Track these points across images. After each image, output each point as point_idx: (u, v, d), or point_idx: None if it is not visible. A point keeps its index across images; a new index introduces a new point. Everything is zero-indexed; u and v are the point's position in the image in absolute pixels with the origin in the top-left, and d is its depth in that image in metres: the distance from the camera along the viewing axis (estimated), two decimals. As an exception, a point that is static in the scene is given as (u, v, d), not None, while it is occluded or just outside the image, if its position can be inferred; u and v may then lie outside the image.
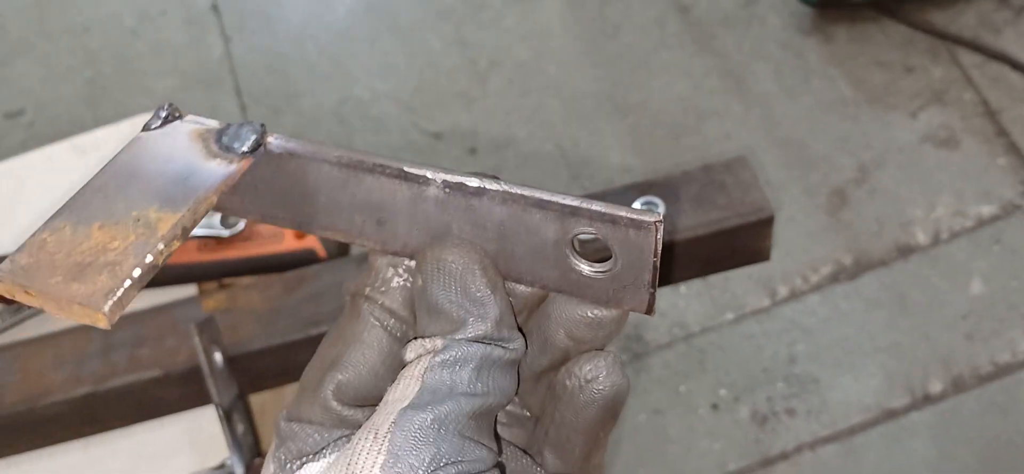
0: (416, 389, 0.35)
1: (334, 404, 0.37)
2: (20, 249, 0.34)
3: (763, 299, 1.64)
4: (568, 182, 1.74)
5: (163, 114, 0.39)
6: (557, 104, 1.87)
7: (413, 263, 0.38)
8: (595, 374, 0.37)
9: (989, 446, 1.49)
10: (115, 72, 1.98)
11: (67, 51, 2.03)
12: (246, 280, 0.90)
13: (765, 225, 0.88)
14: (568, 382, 0.38)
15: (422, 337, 0.37)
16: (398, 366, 0.37)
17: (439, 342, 0.36)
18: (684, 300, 1.65)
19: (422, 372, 0.35)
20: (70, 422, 0.83)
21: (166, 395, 0.84)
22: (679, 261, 0.87)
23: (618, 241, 0.36)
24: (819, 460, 1.51)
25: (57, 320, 0.87)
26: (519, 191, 0.36)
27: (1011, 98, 1.78)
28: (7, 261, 0.34)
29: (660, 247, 0.35)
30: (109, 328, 0.33)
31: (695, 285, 1.66)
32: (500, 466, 0.37)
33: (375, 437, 0.34)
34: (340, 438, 0.37)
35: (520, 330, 0.38)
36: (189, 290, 0.91)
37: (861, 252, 1.66)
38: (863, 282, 1.64)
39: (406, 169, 0.37)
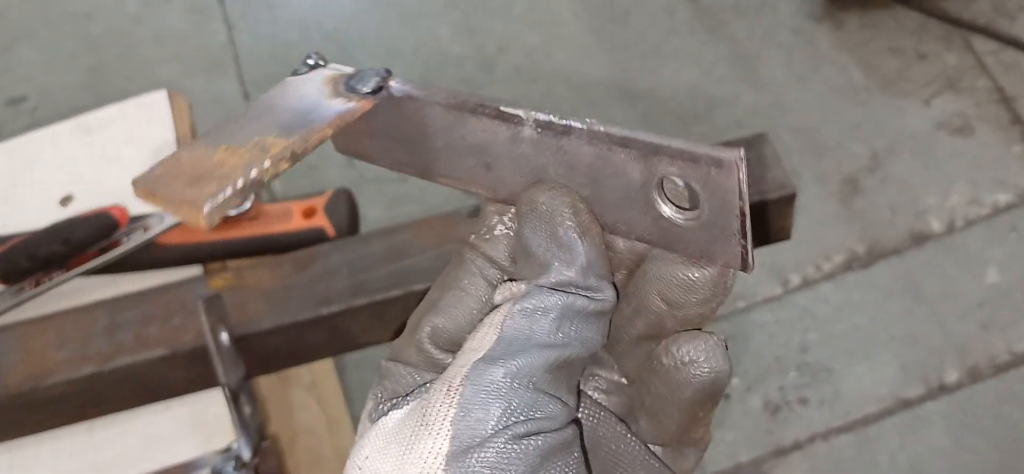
0: (494, 338, 0.35)
1: (429, 347, 0.37)
2: (160, 162, 0.37)
3: (775, 287, 1.62)
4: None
5: (310, 62, 0.41)
6: (566, 91, 1.85)
7: (513, 211, 0.39)
8: (694, 356, 0.36)
9: (1006, 436, 1.47)
10: (117, 59, 1.96)
11: (70, 38, 2.01)
12: (254, 259, 0.88)
13: (787, 202, 0.86)
14: (665, 359, 0.36)
15: (512, 280, 0.36)
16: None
17: (523, 287, 0.35)
18: (694, 289, 1.63)
19: (502, 320, 0.35)
20: (74, 404, 0.81)
21: (172, 375, 0.82)
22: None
23: (702, 183, 0.34)
24: (833, 450, 1.49)
25: (58, 300, 0.85)
26: (603, 129, 0.36)
27: (1026, 85, 1.76)
28: (146, 170, 0.37)
29: (745, 189, 0.33)
30: (207, 230, 0.37)
31: (706, 274, 1.64)
32: (578, 422, 0.36)
33: (448, 390, 0.34)
34: (426, 383, 0.37)
35: (615, 286, 0.37)
36: (196, 271, 0.89)
37: (874, 240, 1.64)
38: (877, 271, 1.61)
39: (502, 109, 0.37)
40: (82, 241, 0.86)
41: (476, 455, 0.33)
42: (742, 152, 0.33)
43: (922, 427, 1.49)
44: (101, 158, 1.00)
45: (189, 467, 0.80)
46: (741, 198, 0.34)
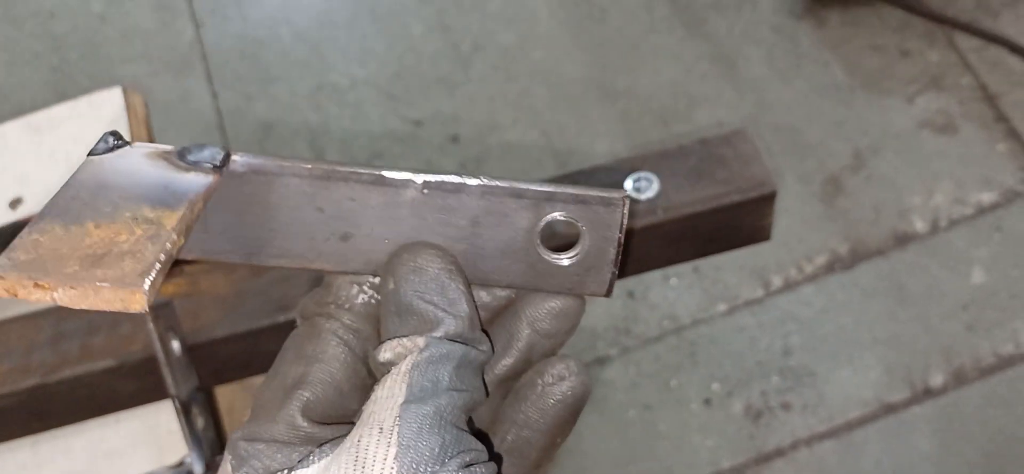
0: (404, 386, 0.36)
1: (302, 422, 0.37)
2: (11, 249, 0.33)
3: (756, 290, 1.59)
4: (555, 170, 1.69)
5: (111, 141, 0.38)
6: (543, 90, 1.81)
7: (376, 280, 0.40)
8: (564, 374, 0.39)
9: (992, 440, 1.44)
10: (82, 58, 1.91)
11: (32, 36, 1.95)
12: (208, 262, 0.84)
13: (767, 201, 0.82)
14: (539, 380, 0.40)
15: (395, 338, 0.38)
16: (361, 381, 0.39)
17: (421, 341, 0.37)
18: (674, 292, 1.59)
19: (408, 369, 0.36)
20: (16, 417, 0.76)
21: (121, 387, 0.78)
22: (676, 240, 0.81)
23: (588, 221, 0.38)
24: (816, 456, 1.46)
25: (5, 308, 0.80)
26: (497, 183, 0.38)
27: (1010, 82, 1.74)
28: (3, 257, 0.32)
29: (625, 223, 0.38)
30: (145, 312, 0.32)
31: (686, 276, 1.61)
32: (498, 459, 0.39)
33: (381, 431, 0.35)
34: (311, 454, 0.37)
35: (487, 335, 0.40)
36: (148, 275, 0.84)
37: (858, 241, 1.61)
38: (860, 272, 1.58)
39: (385, 174, 0.38)
40: (27, 245, 0.82)
41: None
42: (626, 193, 0.38)
43: (907, 432, 1.46)
44: (51, 159, 0.95)
45: (137, 484, 0.76)
46: (621, 231, 0.38)
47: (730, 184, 0.80)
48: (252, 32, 1.92)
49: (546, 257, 0.39)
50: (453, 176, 0.38)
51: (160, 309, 0.73)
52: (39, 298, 0.32)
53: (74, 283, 0.31)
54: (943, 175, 1.66)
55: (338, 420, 0.38)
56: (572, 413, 0.40)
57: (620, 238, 0.39)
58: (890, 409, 1.48)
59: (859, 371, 1.50)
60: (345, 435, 0.36)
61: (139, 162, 0.37)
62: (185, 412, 0.72)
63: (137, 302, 0.31)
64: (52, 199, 0.35)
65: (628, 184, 0.80)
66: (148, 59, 1.90)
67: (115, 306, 0.31)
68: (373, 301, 0.40)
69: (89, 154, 0.37)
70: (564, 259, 0.39)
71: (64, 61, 1.91)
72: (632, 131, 1.75)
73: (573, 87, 1.81)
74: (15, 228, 0.82)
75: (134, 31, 1.94)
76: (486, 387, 0.40)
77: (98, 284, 0.31)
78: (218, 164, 0.37)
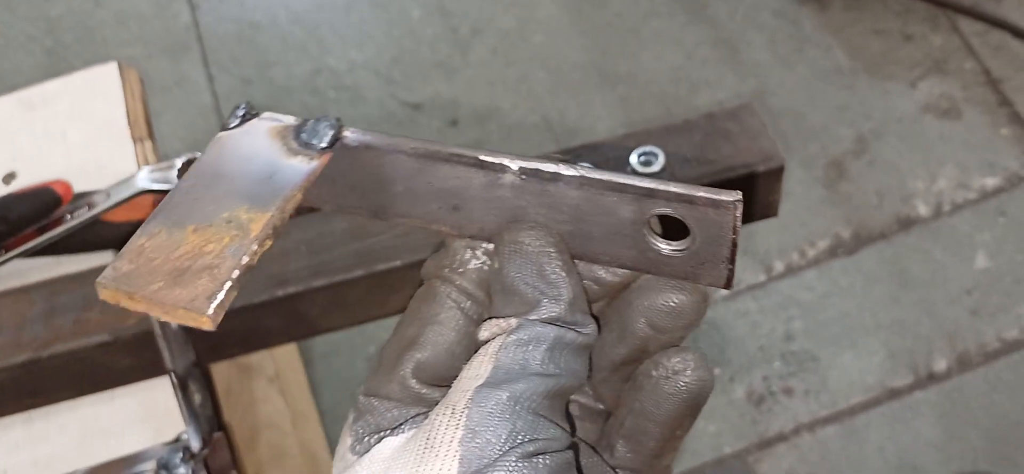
0: (490, 367, 0.36)
1: (412, 382, 0.38)
2: (120, 256, 0.35)
3: (758, 274, 1.57)
4: (554, 155, 1.67)
5: (240, 113, 0.40)
6: (543, 74, 1.80)
7: (490, 246, 0.40)
8: (683, 367, 0.38)
9: (997, 426, 1.43)
10: (77, 41, 1.89)
11: (26, 19, 1.93)
12: (206, 237, 0.82)
13: (775, 176, 0.81)
14: (653, 372, 0.38)
15: (497, 317, 0.38)
16: (473, 346, 0.39)
17: (513, 322, 0.37)
18: (676, 277, 1.58)
19: (496, 351, 0.36)
20: (9, 394, 0.75)
21: (116, 363, 0.76)
22: (682, 216, 0.79)
23: (696, 220, 0.37)
24: (819, 441, 1.44)
25: (-7, 283, 0.79)
26: (595, 176, 0.37)
27: (1013, 67, 1.73)
28: (109, 268, 0.35)
29: (739, 224, 0.36)
30: (213, 329, 0.34)
31: (687, 261, 1.59)
32: (574, 447, 0.38)
33: (452, 413, 0.35)
34: (417, 415, 0.38)
35: (594, 317, 0.39)
36: (144, 250, 0.83)
37: (860, 225, 1.60)
38: (863, 256, 1.57)
39: (482, 158, 0.38)
40: (21, 219, 0.80)
41: None
42: (739, 196, 0.36)
43: (911, 417, 1.45)
44: (45, 134, 0.94)
45: (133, 460, 0.74)
46: (734, 232, 0.36)
47: (737, 158, 0.79)
48: (249, 15, 1.90)
49: (656, 246, 0.37)
50: (549, 163, 0.37)
51: (156, 282, 0.71)
52: (135, 310, 0.34)
53: (156, 302, 0.33)
54: (946, 159, 1.64)
55: (451, 382, 0.38)
56: (690, 408, 0.39)
57: (734, 239, 0.37)
58: (893, 394, 1.47)
59: (862, 356, 1.49)
60: None
61: (258, 141, 0.38)
62: (182, 387, 0.71)
63: (205, 324, 0.32)
64: (171, 192, 0.37)
65: (633, 158, 0.78)
66: (144, 42, 1.88)
67: (190, 323, 0.33)
68: (485, 268, 0.40)
69: (222, 129, 0.39)
70: (675, 250, 0.37)
71: (58, 44, 1.89)
72: (633, 116, 1.74)
73: (573, 72, 1.80)
74: (3, 201, 0.81)
75: (129, 14, 1.92)
76: (591, 368, 0.39)
77: (176, 302, 0.33)
78: (326, 146, 0.38)
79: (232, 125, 0.39)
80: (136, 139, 0.93)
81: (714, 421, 1.46)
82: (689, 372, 0.38)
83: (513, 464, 0.34)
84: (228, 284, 0.33)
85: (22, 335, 0.74)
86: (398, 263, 0.74)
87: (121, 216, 0.82)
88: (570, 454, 0.36)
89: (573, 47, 1.83)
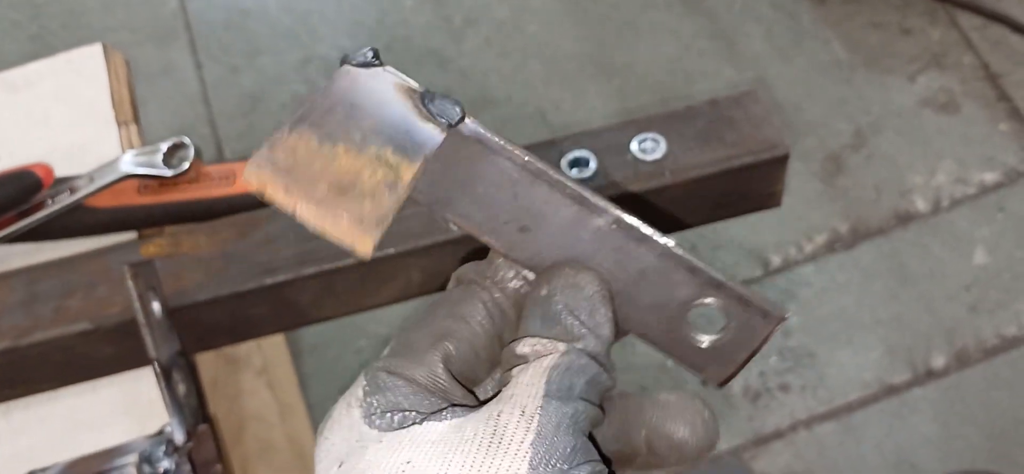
0: (544, 381, 0.37)
1: (441, 372, 0.39)
2: (271, 145, 0.35)
3: (755, 269, 1.56)
4: (549, 148, 1.65)
5: (369, 55, 0.40)
6: (538, 65, 1.78)
7: (530, 274, 0.41)
8: None
9: (995, 423, 1.41)
10: (63, 27, 1.86)
11: (11, 5, 1.90)
12: (191, 224, 0.80)
13: (779, 164, 0.79)
14: None
15: (536, 336, 0.39)
16: (493, 355, 0.41)
17: (561, 346, 0.38)
18: (671, 271, 1.56)
19: (549, 367, 0.37)
20: (-14, 384, 0.72)
21: (98, 352, 0.74)
22: (683, 204, 0.77)
23: (738, 319, 0.39)
24: (815, 438, 1.43)
25: (-28, 270, 0.76)
26: (679, 252, 0.39)
27: (1012, 62, 1.71)
28: (262, 153, 0.35)
29: (770, 339, 0.39)
30: (368, 258, 0.35)
31: (683, 255, 1.58)
32: None
33: (523, 414, 0.36)
34: (454, 406, 0.38)
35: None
36: (127, 236, 0.81)
37: (858, 220, 1.58)
38: (860, 251, 1.56)
39: (585, 195, 0.40)
40: (0, 203, 0.78)
41: None
42: (786, 314, 0.39)
43: (908, 414, 1.43)
44: (27, 117, 0.91)
45: (115, 453, 0.72)
46: (763, 343, 0.39)
47: (740, 146, 0.76)
48: (238, 2, 1.88)
49: (690, 333, 0.40)
50: (644, 226, 0.39)
51: (140, 268, 0.69)
52: (282, 203, 0.34)
53: (320, 205, 0.34)
54: (945, 154, 1.63)
55: (466, 383, 0.40)
56: None
57: (759, 349, 0.40)
58: (891, 391, 1.45)
59: (860, 352, 1.48)
60: (476, 406, 0.38)
61: (389, 92, 0.39)
62: (165, 377, 0.68)
63: (366, 246, 0.34)
64: (310, 104, 0.37)
65: (634, 145, 0.76)
66: (130, 29, 1.85)
67: (347, 240, 0.34)
68: (522, 291, 0.42)
69: (343, 62, 0.39)
70: (705, 341, 0.40)
71: (44, 30, 1.86)
72: (629, 108, 1.72)
73: (569, 63, 1.78)
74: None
75: (116, 0, 1.90)
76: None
77: (340, 213, 0.33)
78: (453, 123, 0.39)
79: (358, 61, 0.39)
80: (121, 122, 0.90)
81: (710, 417, 1.45)
82: None
83: None
84: (390, 218, 0.34)
85: (1, 323, 0.71)
86: (392, 251, 0.72)
87: (104, 201, 0.80)
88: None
89: (568, 38, 1.81)
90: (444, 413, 0.38)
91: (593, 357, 0.38)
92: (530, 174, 0.39)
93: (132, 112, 0.93)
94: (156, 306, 0.70)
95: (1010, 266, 1.53)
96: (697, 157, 0.76)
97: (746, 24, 1.80)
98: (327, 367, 1.45)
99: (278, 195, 0.34)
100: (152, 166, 0.79)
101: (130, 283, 0.68)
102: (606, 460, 0.39)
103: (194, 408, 0.71)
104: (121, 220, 0.80)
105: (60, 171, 0.79)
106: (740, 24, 1.80)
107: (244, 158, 0.86)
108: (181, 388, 0.70)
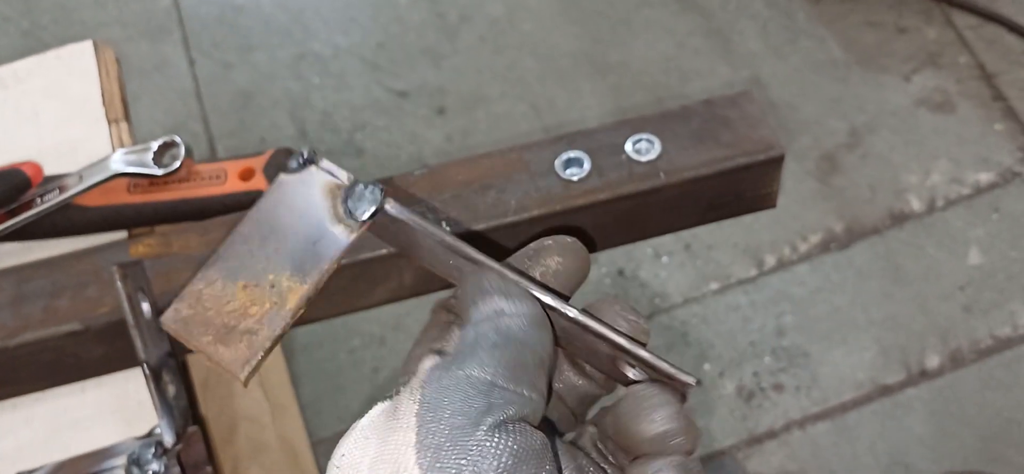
0: (446, 351, 0.43)
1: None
2: (181, 298, 0.42)
3: (750, 269, 1.55)
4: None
5: (302, 158, 0.45)
6: (532, 62, 1.77)
7: None
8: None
9: (989, 424, 1.41)
10: (54, 23, 1.84)
11: (2, 0, 1.88)
12: (182, 223, 0.79)
13: (774, 165, 0.78)
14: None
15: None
16: None
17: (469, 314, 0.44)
18: (666, 270, 1.55)
19: (455, 338, 0.44)
20: (-27, 385, 0.71)
21: (87, 352, 0.73)
22: (677, 205, 0.77)
23: (653, 377, 0.43)
24: (809, 438, 1.42)
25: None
26: (587, 321, 0.43)
27: (1008, 61, 1.71)
28: (172, 309, 0.43)
29: (686, 398, 0.43)
30: (245, 386, 0.41)
31: (678, 254, 1.57)
32: (550, 426, 0.44)
33: (410, 391, 0.40)
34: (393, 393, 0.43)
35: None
36: (117, 236, 0.80)
37: (853, 219, 1.58)
38: (855, 251, 1.55)
39: (503, 272, 0.44)
40: (-12, 202, 0.77)
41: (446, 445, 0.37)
42: (695, 382, 0.42)
43: (902, 414, 1.43)
44: (16, 114, 0.90)
45: (104, 455, 0.71)
46: (682, 392, 0.42)
47: (736, 147, 0.76)
48: (231, -2, 1.87)
49: (624, 371, 0.43)
50: (553, 298, 0.43)
51: (129, 268, 0.68)
52: (190, 347, 0.41)
53: (206, 349, 0.40)
54: (940, 154, 1.63)
55: None
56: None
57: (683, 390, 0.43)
58: (885, 391, 1.45)
59: (854, 352, 1.47)
60: None
61: (313, 195, 0.44)
62: (155, 379, 0.67)
63: (240, 378, 0.39)
64: (231, 236, 0.42)
65: (628, 146, 0.75)
66: (123, 24, 1.84)
67: (228, 373, 0.40)
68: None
69: (282, 173, 0.44)
70: (638, 378, 0.43)
71: (35, 25, 1.85)
72: (623, 106, 1.71)
73: (563, 60, 1.77)
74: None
75: (109, -5, 1.88)
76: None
77: (221, 354, 0.39)
78: (367, 219, 0.43)
79: (292, 167, 0.44)
80: (111, 120, 0.89)
81: (703, 417, 1.44)
82: None
83: (481, 437, 0.35)
84: (261, 353, 0.39)
85: (-12, 323, 0.71)
86: (383, 251, 0.71)
87: (94, 200, 0.79)
88: (536, 420, 0.39)
89: (563, 35, 1.80)
90: (390, 394, 0.41)
91: (508, 314, 0.41)
92: (449, 250, 0.44)
93: (123, 110, 0.92)
94: (145, 307, 0.69)
95: (1004, 266, 1.53)
96: (692, 158, 0.75)
97: (741, 22, 1.80)
98: (320, 367, 1.45)
99: (186, 343, 0.41)
100: (142, 165, 0.78)
101: (119, 284, 0.67)
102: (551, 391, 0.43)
103: (184, 409, 0.70)
104: (111, 219, 0.79)
105: (49, 169, 0.79)
106: (735, 22, 1.80)
107: (237, 156, 0.85)
108: (171, 390, 0.70)
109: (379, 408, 0.41)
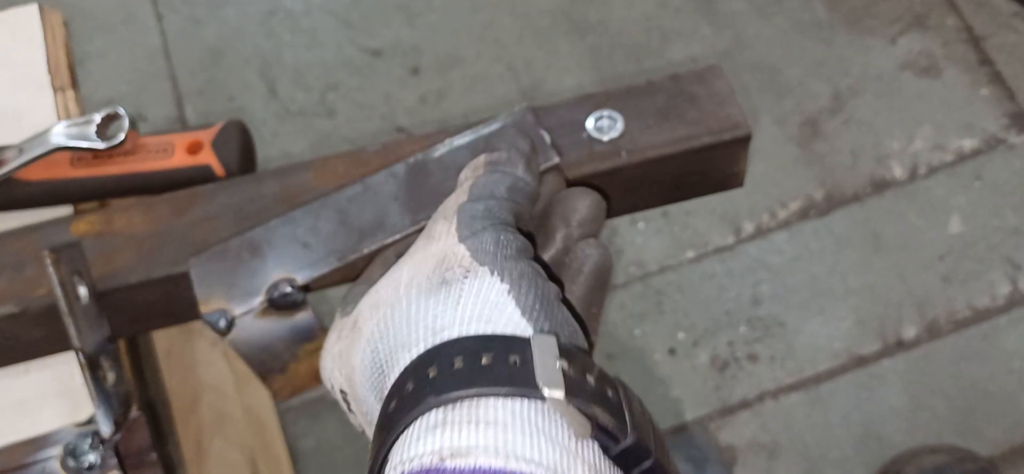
0: (465, 192, 0.50)
1: None
2: None
3: (727, 236, 1.53)
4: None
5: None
6: (509, 21, 1.72)
7: None
8: (589, 251, 0.52)
9: (964, 396, 1.40)
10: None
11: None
12: (126, 200, 0.76)
13: (741, 144, 0.75)
14: (568, 260, 0.53)
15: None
16: None
17: (482, 160, 0.54)
18: (642, 237, 1.53)
19: (470, 183, 0.51)
20: (-93, 367, 0.69)
21: (26, 335, 0.70)
22: (641, 185, 0.74)
23: None
24: (782, 408, 1.41)
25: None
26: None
27: (996, 24, 1.67)
28: None
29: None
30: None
31: (654, 220, 1.54)
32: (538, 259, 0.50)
33: (445, 219, 0.49)
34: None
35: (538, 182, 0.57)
36: (62, 211, 0.77)
37: (833, 186, 1.55)
38: (834, 219, 1.53)
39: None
40: (-78, 177, 0.74)
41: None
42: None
43: (877, 385, 1.41)
44: (-41, 79, 0.87)
45: (40, 443, 0.69)
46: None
47: (701, 125, 0.73)
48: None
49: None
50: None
51: (63, 251, 0.65)
52: None
53: None
54: (924, 120, 1.60)
55: None
56: (599, 282, 0.52)
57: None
58: (860, 361, 1.43)
59: (830, 322, 1.46)
60: None
61: None
62: (91, 367, 0.65)
63: None
64: None
65: (590, 123, 0.72)
66: (89, -20, 1.78)
67: None
68: None
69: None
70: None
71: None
72: (602, 66, 1.67)
73: (541, 19, 1.72)
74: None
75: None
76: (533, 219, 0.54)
77: None
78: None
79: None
80: (57, 88, 0.86)
81: (676, 387, 1.43)
82: (595, 251, 0.52)
83: (506, 254, 0.46)
84: None
85: (-80, 305, 0.68)
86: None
87: (36, 174, 0.76)
88: (529, 247, 0.48)
89: (542, -8, 1.76)
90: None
91: (510, 172, 0.52)
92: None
93: (70, 77, 0.88)
94: (82, 291, 0.66)
95: (985, 236, 1.51)
96: (655, 137, 0.72)
97: (725, -19, 1.75)
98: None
99: None
100: (85, 138, 0.75)
101: (51, 270, 0.64)
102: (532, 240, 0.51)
103: (124, 396, 0.68)
104: (54, 194, 0.76)
105: (-12, 140, 0.75)
106: (719, -19, 1.76)
107: (182, 126, 0.82)
108: (110, 377, 0.67)
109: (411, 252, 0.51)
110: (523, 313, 0.43)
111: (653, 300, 1.48)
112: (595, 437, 0.41)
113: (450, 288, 0.45)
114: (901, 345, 1.44)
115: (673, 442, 1.38)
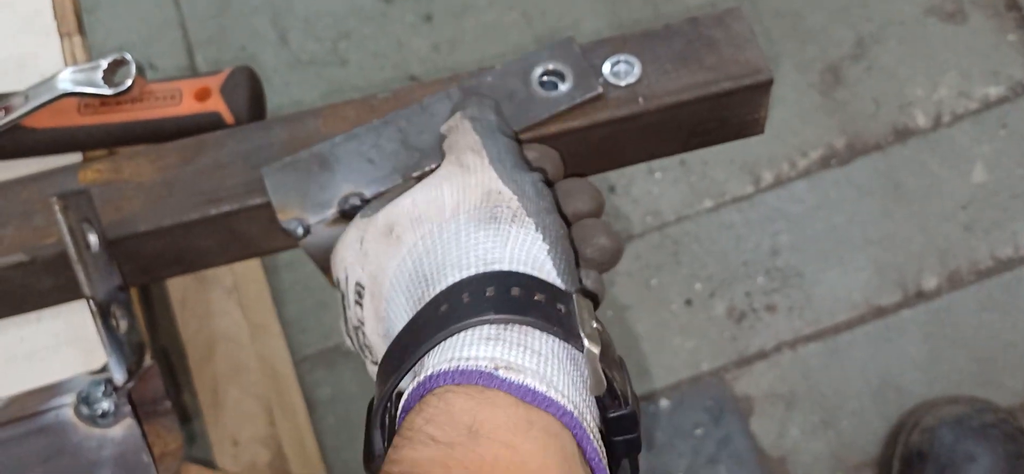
0: (471, 130, 0.57)
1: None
2: None
3: (746, 185, 1.50)
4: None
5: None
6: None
7: None
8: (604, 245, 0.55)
9: (985, 346, 1.38)
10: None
11: None
12: (134, 147, 0.75)
13: (762, 90, 0.73)
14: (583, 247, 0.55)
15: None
16: None
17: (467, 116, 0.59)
18: (658, 186, 1.51)
19: (468, 120, 0.57)
20: (-82, 316, 0.69)
21: (36, 283, 0.70)
22: (658, 132, 0.72)
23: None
24: (800, 359, 1.40)
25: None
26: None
27: (1025, -33, 1.63)
28: None
29: None
30: None
31: (672, 169, 1.52)
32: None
33: (473, 150, 0.55)
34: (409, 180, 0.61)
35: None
36: (70, 158, 0.76)
37: (855, 135, 1.52)
38: (856, 167, 1.50)
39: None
40: (-71, 124, 0.73)
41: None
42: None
43: (896, 336, 1.40)
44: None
45: (54, 391, 0.68)
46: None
47: (720, 70, 0.71)
48: None
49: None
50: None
51: (71, 199, 0.64)
52: None
53: None
54: (949, 66, 1.56)
55: None
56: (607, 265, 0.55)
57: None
58: (879, 312, 1.42)
59: (849, 272, 1.44)
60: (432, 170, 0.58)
61: None
62: (103, 315, 0.64)
63: None
64: None
65: (606, 67, 0.70)
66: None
67: None
68: None
69: None
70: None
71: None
72: (619, 10, 1.64)
73: (559, -38, 1.69)
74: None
75: None
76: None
77: None
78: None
79: None
80: (64, 34, 0.85)
81: (692, 338, 1.41)
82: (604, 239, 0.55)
83: (544, 207, 0.52)
84: None
85: (-71, 253, 0.67)
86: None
87: (43, 122, 0.75)
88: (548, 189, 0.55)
89: (559, -65, 1.72)
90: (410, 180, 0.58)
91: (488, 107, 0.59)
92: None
93: (77, 22, 0.87)
94: (92, 239, 0.66)
95: (1009, 185, 1.48)
96: (673, 82, 0.71)
97: (746, -77, 1.71)
98: (303, 283, 1.42)
99: None
100: (91, 84, 0.74)
101: (60, 217, 0.63)
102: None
103: (136, 345, 0.68)
104: (61, 141, 0.75)
105: (-3, 87, 0.75)
106: (739, -76, 1.71)
107: (192, 75, 0.80)
108: (122, 325, 0.67)
109: (437, 172, 0.55)
110: (558, 274, 0.49)
111: (670, 250, 1.46)
112: (602, 397, 0.47)
113: (499, 227, 0.50)
114: (921, 295, 1.42)
115: (689, 392, 1.38)
